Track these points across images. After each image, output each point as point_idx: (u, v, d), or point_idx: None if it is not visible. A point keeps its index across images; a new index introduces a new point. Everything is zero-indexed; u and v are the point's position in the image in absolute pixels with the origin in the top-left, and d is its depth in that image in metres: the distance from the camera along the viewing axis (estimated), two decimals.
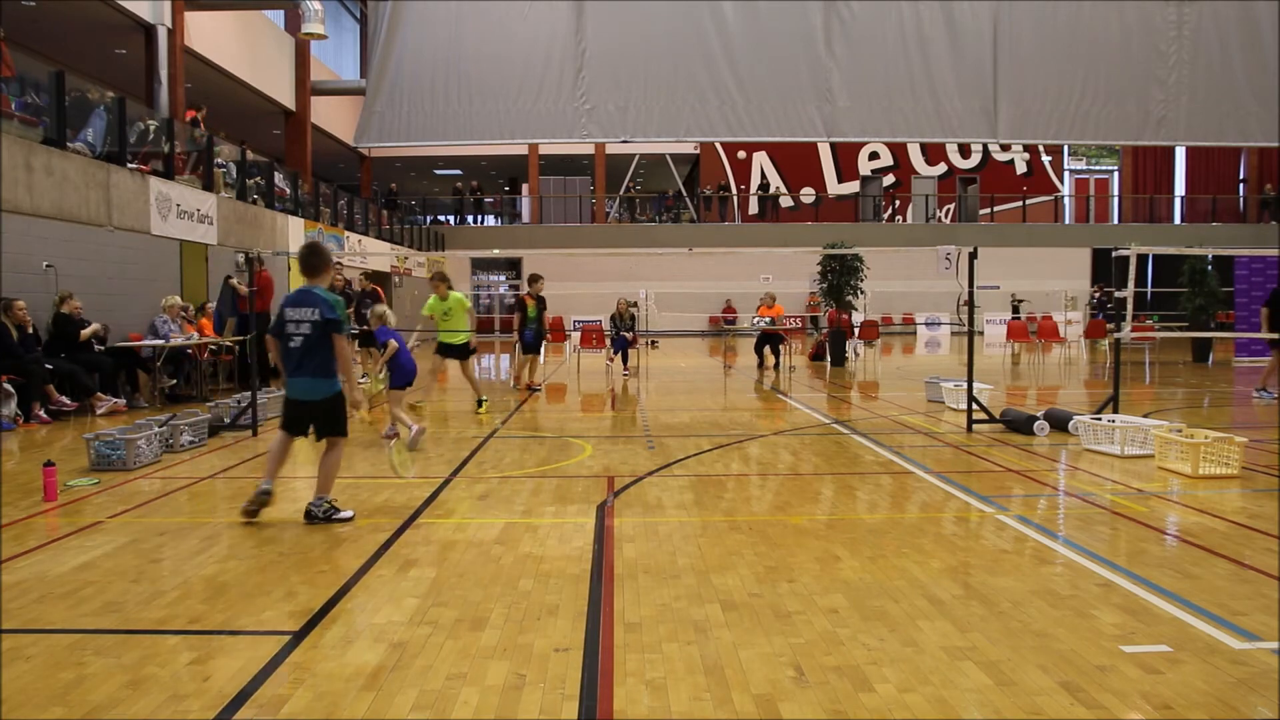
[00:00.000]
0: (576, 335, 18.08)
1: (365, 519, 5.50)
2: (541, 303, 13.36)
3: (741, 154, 36.35)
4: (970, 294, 9.05)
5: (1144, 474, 6.76)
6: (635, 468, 7.09)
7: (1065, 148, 36.43)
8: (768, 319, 17.21)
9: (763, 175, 36.76)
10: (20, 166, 10.48)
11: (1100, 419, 7.95)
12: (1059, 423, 8.74)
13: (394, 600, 3.98)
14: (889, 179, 36.83)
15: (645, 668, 3.22)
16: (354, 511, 5.54)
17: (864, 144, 35.47)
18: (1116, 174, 38.47)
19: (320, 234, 21.08)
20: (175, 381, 11.74)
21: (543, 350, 14.64)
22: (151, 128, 14.35)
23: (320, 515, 5.36)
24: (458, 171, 38.92)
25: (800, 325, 28.59)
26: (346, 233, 23.26)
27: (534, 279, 13.29)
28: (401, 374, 8.42)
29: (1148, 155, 37.26)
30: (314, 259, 5.53)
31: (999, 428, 9.00)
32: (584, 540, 4.98)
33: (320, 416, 5.44)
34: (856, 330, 20.03)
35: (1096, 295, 28.34)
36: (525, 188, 36.68)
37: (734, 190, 36.43)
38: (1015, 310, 27.30)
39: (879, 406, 11.37)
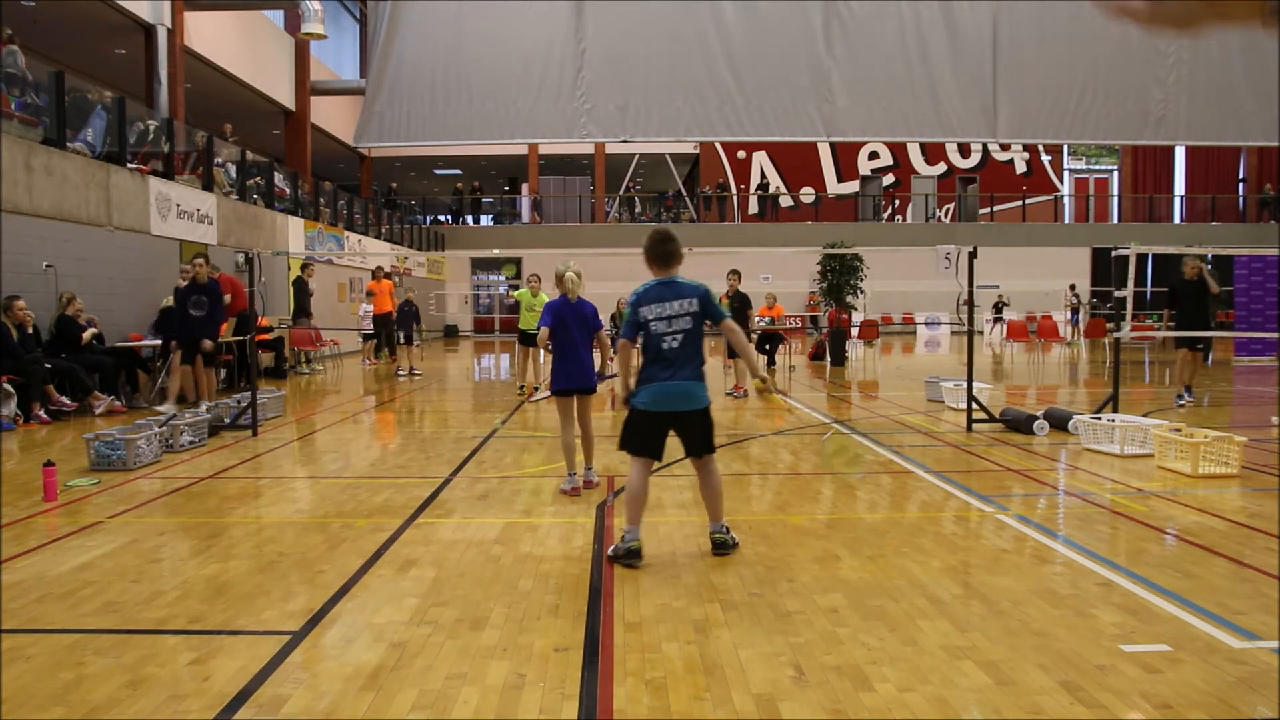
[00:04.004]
0: None
1: (365, 519, 5.50)
2: (739, 299, 12.34)
3: (741, 154, 36.36)
4: (970, 294, 9.05)
5: (1144, 473, 6.76)
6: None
7: (1065, 147, 36.43)
8: (768, 319, 17.22)
9: (762, 175, 36.77)
10: (20, 166, 10.49)
11: (1100, 418, 7.95)
12: (1059, 422, 8.75)
13: (394, 600, 3.98)
14: (889, 179, 36.84)
15: (645, 668, 3.22)
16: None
17: (864, 144, 35.48)
18: (1116, 173, 38.47)
19: (320, 234, 21.08)
20: None
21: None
22: (151, 128, 14.35)
23: (733, 542, 4.68)
24: (458, 171, 38.93)
25: (800, 325, 28.58)
26: (346, 233, 23.26)
27: (730, 274, 12.41)
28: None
29: (1147, 155, 37.27)
30: (672, 245, 4.69)
31: (999, 427, 9.01)
32: (584, 540, 4.98)
33: (697, 428, 4.59)
34: (856, 330, 20.03)
35: (1073, 295, 28.21)
36: (525, 188, 36.68)
37: (734, 190, 36.44)
38: (998, 311, 27.05)
39: (879, 406, 11.37)
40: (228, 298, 12.81)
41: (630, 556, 4.46)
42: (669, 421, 4.55)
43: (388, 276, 18.14)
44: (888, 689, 3.02)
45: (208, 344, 10.22)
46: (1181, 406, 10.58)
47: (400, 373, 16.03)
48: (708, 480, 4.65)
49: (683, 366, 4.53)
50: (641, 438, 4.57)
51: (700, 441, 4.60)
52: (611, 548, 4.62)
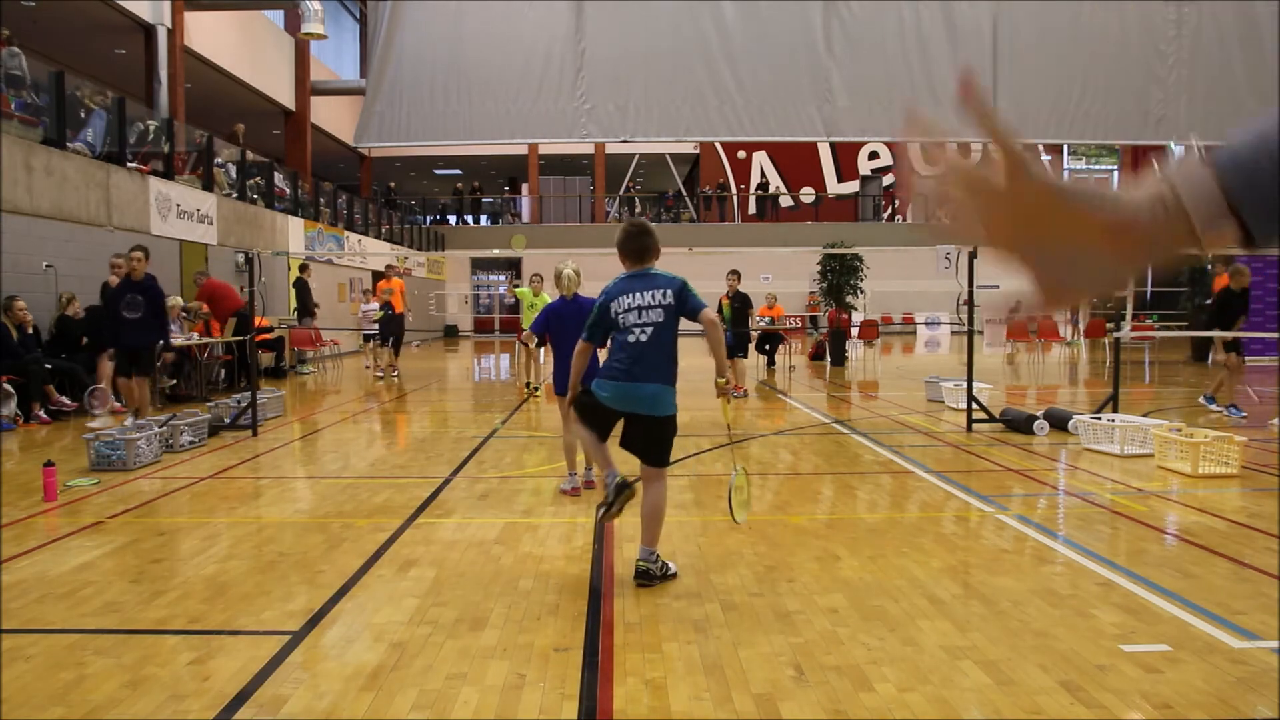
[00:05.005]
0: None
1: (365, 519, 5.50)
2: (740, 300, 12.47)
3: (741, 154, 36.34)
4: (970, 294, 9.05)
5: (1144, 473, 6.76)
6: (635, 467, 7.08)
7: (1065, 147, 36.40)
8: (768, 319, 17.22)
9: (762, 175, 36.76)
10: (20, 166, 10.48)
11: (1100, 418, 7.95)
12: (1059, 422, 8.75)
13: (394, 600, 3.98)
14: (889, 179, 36.83)
15: (645, 668, 3.22)
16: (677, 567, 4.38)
17: (864, 144, 35.46)
18: (1116, 173, 38.47)
19: (320, 234, 21.08)
20: (175, 381, 11.74)
21: (749, 351, 13.59)
22: (151, 128, 14.35)
23: (659, 574, 4.18)
24: (458, 171, 38.92)
25: (800, 325, 28.59)
26: (346, 233, 23.26)
27: (730, 274, 12.48)
28: None
29: (1147, 155, 37.25)
30: (648, 239, 4.34)
31: (999, 427, 9.00)
32: (584, 540, 4.98)
33: (653, 437, 4.23)
34: (856, 330, 20.03)
35: None
36: (525, 188, 36.69)
37: (734, 190, 36.43)
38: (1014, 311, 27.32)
39: (879, 406, 11.37)
40: (205, 306, 12.72)
41: (622, 490, 4.11)
42: (625, 416, 4.24)
43: (398, 275, 18.05)
44: (888, 689, 3.02)
45: (169, 355, 10.01)
46: (1237, 415, 9.89)
47: (380, 374, 15.99)
48: (649, 497, 4.22)
49: (648, 365, 4.15)
50: (592, 417, 4.29)
51: (654, 452, 4.23)
52: (601, 506, 4.21)
